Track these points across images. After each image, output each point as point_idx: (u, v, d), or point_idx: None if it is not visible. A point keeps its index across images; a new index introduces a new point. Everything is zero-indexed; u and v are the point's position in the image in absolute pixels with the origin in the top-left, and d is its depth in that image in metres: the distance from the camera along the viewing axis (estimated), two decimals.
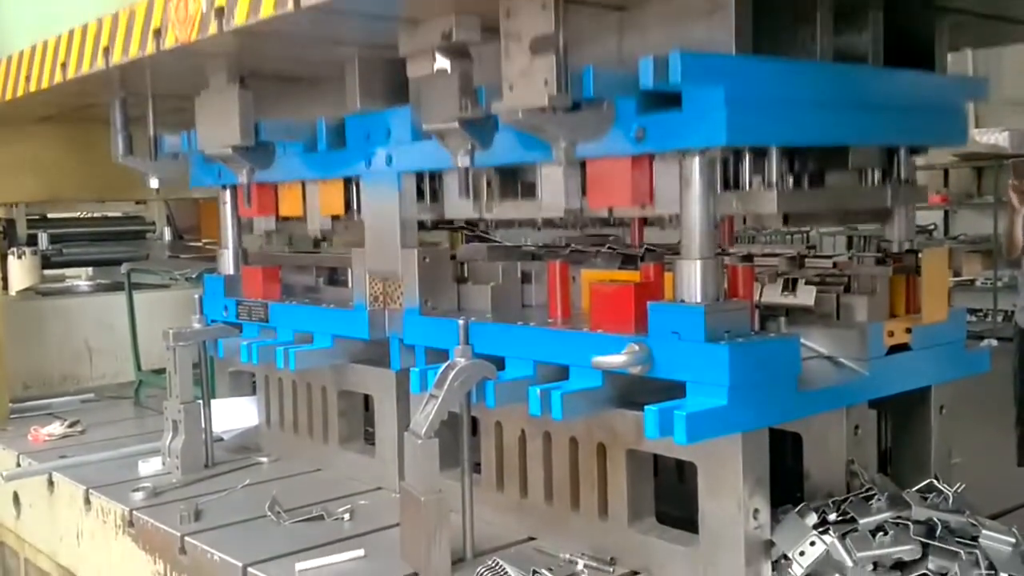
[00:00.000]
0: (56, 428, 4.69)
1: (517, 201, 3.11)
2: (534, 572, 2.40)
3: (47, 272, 6.66)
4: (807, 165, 2.78)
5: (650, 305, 2.56)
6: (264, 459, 4.02)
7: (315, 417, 3.90)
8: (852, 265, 3.10)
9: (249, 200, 3.90)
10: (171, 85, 3.89)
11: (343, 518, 3.19)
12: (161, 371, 5.56)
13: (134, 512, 3.42)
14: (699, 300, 2.48)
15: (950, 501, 2.55)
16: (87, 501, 3.72)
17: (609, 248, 3.60)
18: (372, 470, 3.60)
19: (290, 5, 2.57)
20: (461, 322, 2.87)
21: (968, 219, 13.53)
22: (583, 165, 2.72)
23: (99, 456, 4.14)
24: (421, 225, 3.47)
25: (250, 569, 2.83)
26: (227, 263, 4.28)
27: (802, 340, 2.66)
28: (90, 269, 7.48)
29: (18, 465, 4.31)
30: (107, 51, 3.42)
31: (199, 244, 7.55)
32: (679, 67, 2.26)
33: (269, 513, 3.23)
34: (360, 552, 2.86)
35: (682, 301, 2.51)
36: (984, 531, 2.39)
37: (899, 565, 2.35)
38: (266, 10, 2.66)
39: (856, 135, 2.69)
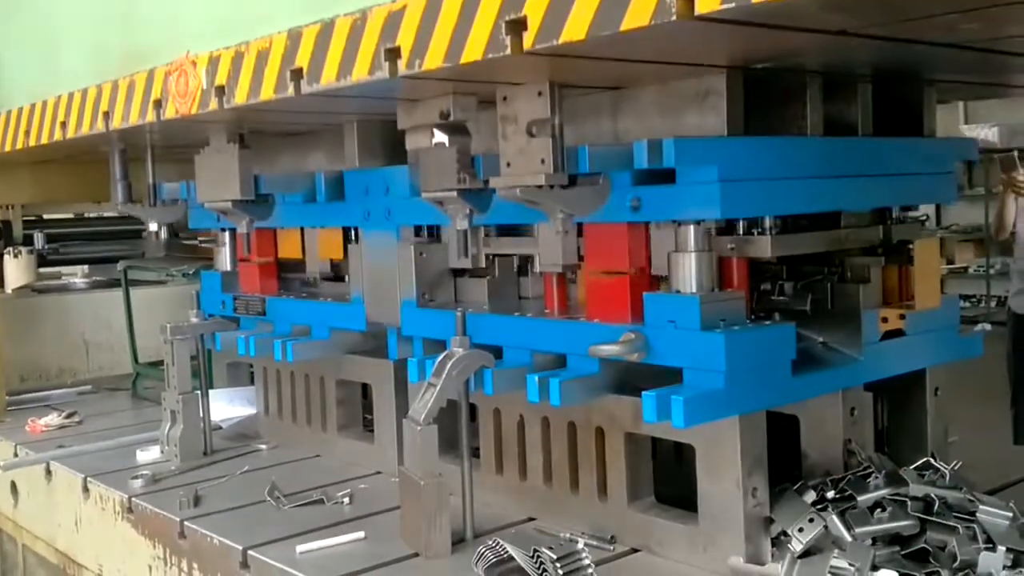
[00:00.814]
0: (54, 419, 4.71)
1: (515, 239, 3.15)
2: (535, 550, 2.43)
3: (43, 270, 6.70)
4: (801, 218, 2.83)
5: (646, 295, 2.59)
6: (263, 446, 4.05)
7: (313, 405, 3.93)
8: (845, 254, 3.13)
9: (248, 248, 3.96)
10: (171, 140, 3.93)
11: (343, 502, 3.22)
12: (158, 364, 5.59)
13: (133, 499, 3.45)
14: (694, 290, 2.52)
15: (947, 478, 2.59)
16: (85, 488, 3.75)
17: None
18: (371, 456, 3.63)
19: (290, 90, 2.60)
20: (458, 313, 2.89)
21: (959, 210, 13.60)
22: (580, 225, 2.75)
23: (96, 445, 4.16)
24: None
25: (250, 552, 2.86)
26: (224, 260, 4.30)
27: (798, 328, 2.69)
28: (87, 267, 7.52)
29: (15, 455, 4.33)
30: (107, 115, 3.45)
31: (195, 243, 7.60)
32: (672, 151, 2.35)
33: (269, 498, 3.25)
34: (360, 534, 2.89)
35: (678, 291, 2.55)
36: (981, 506, 2.43)
37: (897, 540, 2.39)
38: (266, 93, 2.68)
39: (847, 202, 2.78)
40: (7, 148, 4.27)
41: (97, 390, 5.67)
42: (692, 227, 2.53)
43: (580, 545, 2.46)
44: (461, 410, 2.84)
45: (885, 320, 2.88)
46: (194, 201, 3.99)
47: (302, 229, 3.93)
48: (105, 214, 7.51)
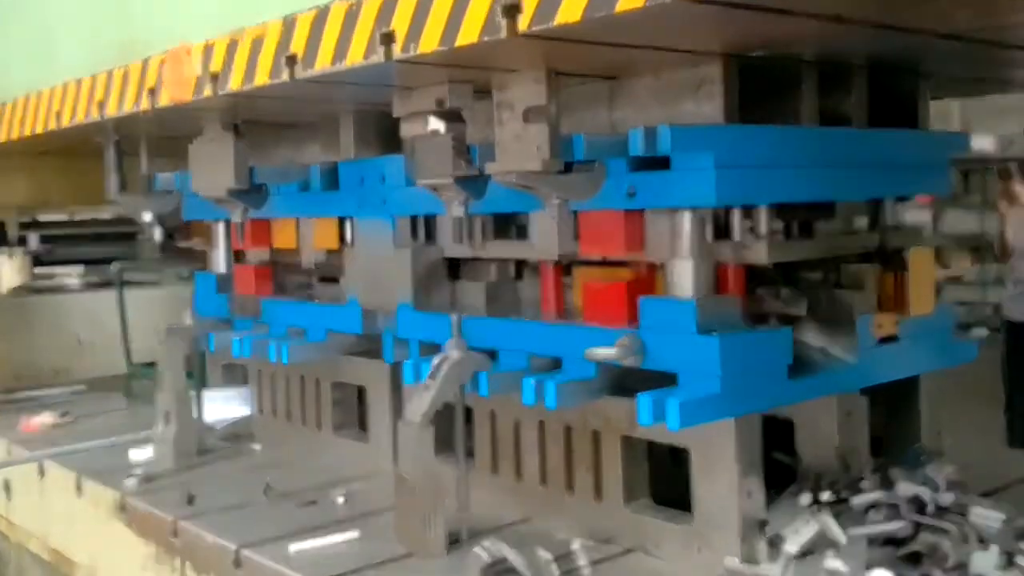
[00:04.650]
0: (47, 418, 4.70)
1: (511, 242, 3.15)
2: (531, 550, 2.43)
3: (38, 271, 6.70)
4: (796, 214, 2.85)
5: (642, 299, 2.60)
6: (256, 447, 4.05)
7: (308, 406, 3.93)
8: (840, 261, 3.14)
9: (243, 237, 3.93)
10: (165, 130, 3.91)
11: (337, 501, 3.21)
12: (151, 365, 5.60)
13: (126, 497, 3.44)
14: (691, 295, 2.52)
15: (941, 481, 2.59)
16: (79, 487, 3.74)
17: None
18: (366, 456, 3.63)
19: (284, 75, 2.61)
20: (454, 317, 2.89)
21: (956, 218, 13.69)
22: (576, 212, 2.75)
23: (89, 444, 4.15)
24: None
25: (244, 551, 2.86)
26: (219, 262, 4.30)
27: (795, 332, 2.70)
28: (81, 268, 7.53)
29: (8, 454, 4.32)
30: (102, 104, 3.46)
31: (189, 245, 7.61)
32: (668, 138, 2.36)
33: (265, 497, 3.25)
34: (355, 534, 2.89)
35: (673, 296, 2.55)
36: (974, 508, 2.43)
37: (891, 541, 2.39)
38: (260, 78, 2.69)
39: (841, 192, 2.80)
40: (2, 139, 4.27)
41: (91, 390, 5.66)
42: (687, 214, 2.51)
43: (577, 545, 2.46)
44: (457, 412, 2.84)
45: (880, 326, 2.89)
46: (188, 191, 3.99)
47: (297, 220, 3.91)
48: (100, 216, 7.52)
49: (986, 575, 2.30)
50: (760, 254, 2.63)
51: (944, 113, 13.52)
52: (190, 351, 4.03)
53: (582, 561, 2.45)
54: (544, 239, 2.79)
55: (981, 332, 3.13)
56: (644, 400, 2.37)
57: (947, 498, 2.53)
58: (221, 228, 4.25)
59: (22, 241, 6.62)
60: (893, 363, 2.91)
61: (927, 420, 3.09)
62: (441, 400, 2.76)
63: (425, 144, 2.75)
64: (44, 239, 6.68)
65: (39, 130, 3.93)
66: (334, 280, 4.10)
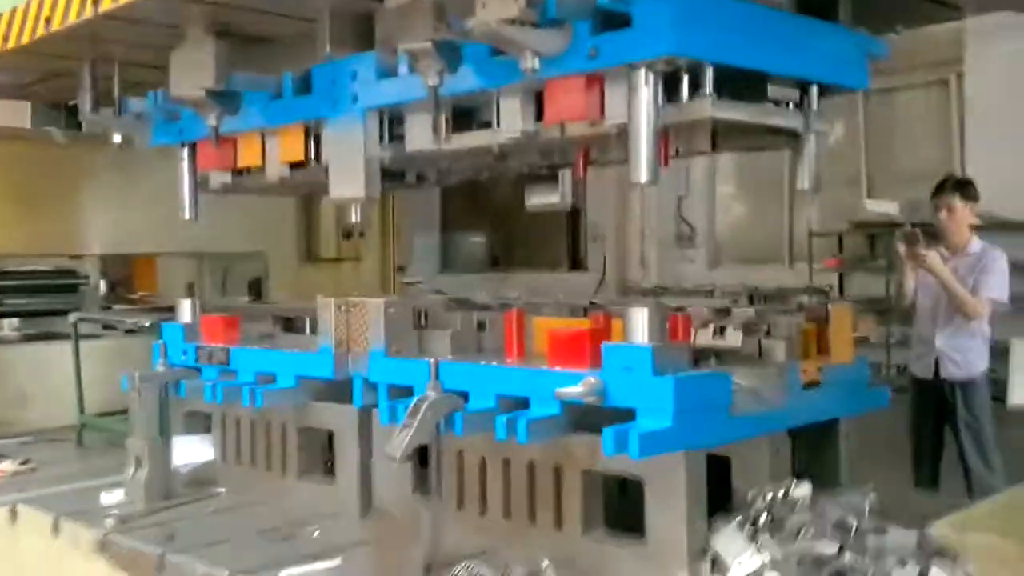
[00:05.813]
0: (8, 465, 4.82)
1: (474, 132, 3.46)
2: (505, 566, 2.71)
3: None
4: (733, 95, 3.15)
5: (604, 345, 2.94)
6: (221, 490, 4.23)
7: (274, 451, 4.13)
8: (771, 315, 3.54)
9: (217, 142, 4.13)
10: (145, 40, 4.13)
11: (312, 536, 3.44)
12: (104, 415, 5.75)
13: (107, 536, 3.61)
14: (647, 341, 2.87)
15: (864, 508, 2.96)
16: (56, 528, 3.88)
17: (556, 301, 3.99)
18: (332, 497, 3.84)
19: None
20: (432, 361, 3.19)
21: (862, 281, 14.38)
22: (538, 96, 3.12)
23: (61, 488, 4.30)
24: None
25: None
26: (185, 312, 4.53)
27: (732, 376, 3.06)
28: (15, 320, 7.60)
29: None
30: (96, 2, 3.67)
31: (135, 296, 7.75)
32: None
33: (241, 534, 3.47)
34: (337, 562, 3.13)
35: (632, 342, 2.90)
36: (891, 531, 2.79)
37: (820, 560, 2.73)
38: None
39: (774, 65, 3.13)
40: None
41: (38, 440, 5.75)
42: (643, 70, 2.83)
43: (545, 564, 2.76)
44: (433, 448, 3.12)
45: (805, 372, 3.29)
46: (157, 117, 4.23)
47: (263, 135, 4.13)
48: (39, 268, 7.62)
49: None
50: (705, 109, 2.95)
51: (854, 174, 14.36)
52: (161, 398, 4.21)
53: None
54: (508, 120, 3.12)
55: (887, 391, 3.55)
56: (608, 433, 2.70)
57: (868, 523, 2.89)
58: (186, 152, 4.48)
59: None
60: (817, 406, 3.30)
61: (845, 457, 3.47)
62: (420, 437, 3.04)
63: (407, 12, 3.05)
64: None
65: (25, 40, 4.09)
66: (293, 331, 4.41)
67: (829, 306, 3.48)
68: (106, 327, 6.76)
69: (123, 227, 6.42)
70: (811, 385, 3.32)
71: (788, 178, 12.16)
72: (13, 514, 4.17)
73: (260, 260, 7.42)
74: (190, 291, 8.10)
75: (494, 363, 3.27)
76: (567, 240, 17.79)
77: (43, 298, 7.26)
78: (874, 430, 3.96)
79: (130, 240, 6.55)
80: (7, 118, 6.49)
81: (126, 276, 8.19)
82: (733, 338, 3.36)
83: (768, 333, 3.40)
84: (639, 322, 2.89)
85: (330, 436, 4.02)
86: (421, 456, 3.32)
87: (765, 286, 4.30)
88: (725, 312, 3.55)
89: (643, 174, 2.91)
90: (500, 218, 18.48)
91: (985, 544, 2.02)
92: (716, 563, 2.85)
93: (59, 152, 6.33)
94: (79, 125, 7.79)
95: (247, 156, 4.25)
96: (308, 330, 4.35)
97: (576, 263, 17.87)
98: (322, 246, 7.96)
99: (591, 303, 3.86)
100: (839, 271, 14.30)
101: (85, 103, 4.48)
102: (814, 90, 3.32)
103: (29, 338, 7.08)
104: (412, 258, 10.53)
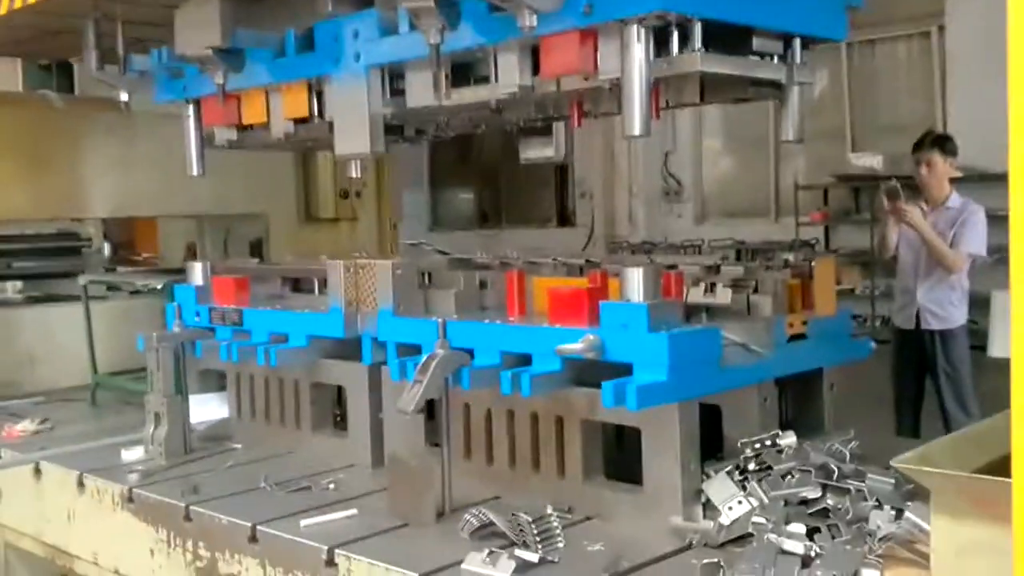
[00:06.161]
0: (28, 425, 5.00)
1: (473, 88, 3.61)
2: (512, 514, 2.93)
3: None
4: (720, 50, 3.28)
5: (602, 304, 3.13)
6: (237, 446, 4.44)
7: (288, 407, 4.34)
8: (758, 271, 3.73)
9: (224, 100, 4.28)
10: (145, 8, 4.31)
11: (329, 487, 3.65)
12: (114, 374, 5.93)
13: (133, 489, 3.82)
14: (642, 299, 3.06)
15: (845, 454, 3.18)
16: (80, 484, 4.08)
17: (554, 260, 4.17)
18: (345, 450, 4.06)
19: None
20: (441, 320, 3.38)
21: (847, 234, 14.60)
22: (534, 51, 3.28)
23: (82, 446, 4.49)
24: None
25: (259, 527, 3.28)
26: (196, 274, 4.71)
27: (721, 331, 3.26)
28: (19, 283, 7.73)
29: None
30: None
31: (138, 258, 7.89)
32: None
33: (264, 485, 3.67)
34: (354, 511, 3.34)
35: (628, 300, 3.09)
36: (870, 475, 3.01)
37: (804, 502, 2.96)
38: None
39: (758, 18, 3.26)
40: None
41: (51, 400, 5.93)
42: (635, 25, 2.99)
43: (549, 510, 2.97)
44: (443, 403, 3.33)
45: (791, 325, 3.49)
46: (160, 75, 4.39)
47: (266, 92, 4.28)
48: (43, 231, 7.75)
49: (880, 527, 2.87)
50: (694, 63, 3.10)
51: (839, 128, 14.51)
52: (177, 357, 4.40)
53: (555, 523, 2.94)
54: (506, 75, 3.30)
55: (870, 343, 3.70)
56: (607, 387, 2.90)
57: (849, 467, 3.11)
58: (191, 109, 4.63)
59: None
60: (802, 357, 3.51)
61: (829, 407, 3.69)
62: (430, 392, 3.23)
63: None
64: None
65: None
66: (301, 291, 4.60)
67: (813, 263, 3.67)
68: (110, 288, 6.93)
69: (126, 190, 6.54)
70: (797, 337, 3.53)
71: (774, 132, 12.34)
72: (37, 471, 4.38)
73: (261, 221, 7.56)
74: (191, 252, 8.26)
75: (497, 321, 3.46)
76: (555, 196, 17.94)
77: (47, 261, 7.39)
78: (858, 380, 4.19)
79: (133, 203, 6.67)
80: None
81: (128, 238, 8.32)
82: (723, 295, 3.54)
83: (756, 289, 3.59)
84: (635, 281, 3.08)
85: (339, 391, 4.24)
86: (429, 410, 3.53)
87: (752, 240, 4.49)
88: (715, 270, 3.74)
89: (636, 127, 3.05)
90: (488, 174, 18.63)
91: (941, 474, 2.22)
92: (708, 507, 3.07)
93: (58, 115, 6.43)
94: (71, 87, 7.92)
95: (251, 113, 4.37)
96: (316, 290, 4.54)
97: (564, 219, 17.98)
98: (320, 207, 8.10)
99: (587, 261, 4.05)
100: (824, 224, 14.54)
101: (91, 61, 4.59)
102: (797, 43, 3.45)
103: (33, 300, 7.22)
104: (402, 215, 10.67)
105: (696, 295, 3.55)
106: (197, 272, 4.71)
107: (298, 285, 4.74)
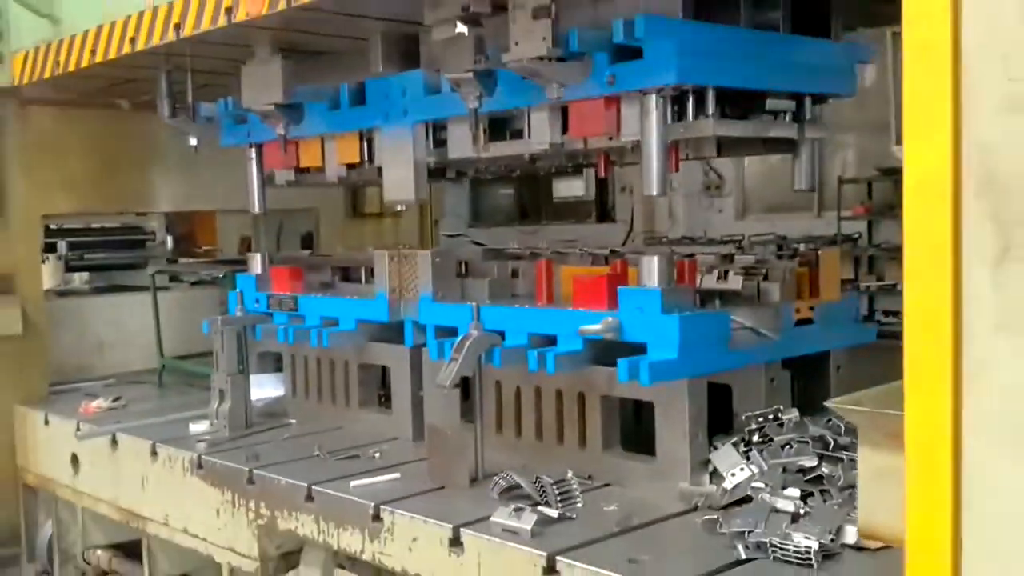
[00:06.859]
0: (103, 402, 5.46)
1: (508, 142, 3.98)
2: (537, 478, 3.28)
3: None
4: (735, 111, 3.60)
5: (620, 289, 3.47)
6: (292, 421, 4.85)
7: (337, 386, 4.73)
8: (769, 260, 4.04)
9: (285, 148, 4.74)
10: (216, 54, 4.70)
11: (375, 456, 4.04)
12: (178, 359, 6.39)
13: (202, 456, 4.24)
14: (656, 284, 3.39)
15: (841, 427, 3.48)
16: (154, 452, 4.52)
17: (580, 250, 4.52)
18: (389, 425, 4.45)
19: None
20: (475, 305, 3.74)
21: (890, 229, 14.51)
22: (564, 110, 3.61)
23: (153, 420, 4.94)
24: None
25: (314, 487, 3.67)
26: (256, 265, 5.13)
27: (732, 315, 3.58)
28: (86, 274, 8.24)
29: (78, 430, 5.08)
30: (178, 27, 4.28)
31: (199, 250, 8.37)
32: (643, 26, 3.20)
33: (318, 452, 4.07)
34: (397, 475, 3.72)
35: (644, 286, 3.42)
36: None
37: (801, 470, 3.26)
38: None
39: (770, 82, 3.57)
40: (71, 67, 5.05)
41: (120, 382, 6.39)
42: (654, 96, 3.30)
43: (570, 475, 3.32)
44: (477, 378, 3.69)
45: (798, 310, 3.80)
46: (226, 122, 4.85)
47: (322, 140, 4.72)
48: (108, 225, 8.23)
49: None
50: (708, 128, 3.42)
51: (883, 121, 14.52)
52: (239, 339, 4.81)
53: (575, 486, 3.29)
54: (538, 133, 3.66)
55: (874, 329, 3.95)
56: (623, 364, 3.24)
57: (845, 439, 3.41)
58: (253, 152, 5.07)
59: (51, 248, 7.30)
60: (807, 340, 3.81)
61: (835, 387, 3.97)
62: (465, 369, 3.59)
63: (451, 44, 3.57)
64: (71, 246, 7.38)
65: (112, 55, 4.70)
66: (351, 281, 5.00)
67: (819, 252, 3.96)
68: (172, 279, 7.41)
69: (188, 186, 6.97)
70: (804, 322, 3.82)
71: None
72: (114, 442, 4.83)
73: (311, 216, 7.98)
74: (246, 245, 8.71)
75: (526, 306, 3.81)
76: (595, 192, 18.13)
77: (114, 253, 7.89)
78: (870, 364, 4.44)
79: (195, 198, 7.11)
80: None
81: (188, 231, 8.79)
82: (735, 282, 3.86)
83: (766, 277, 3.90)
84: (650, 268, 3.42)
85: (383, 371, 4.62)
86: (463, 389, 3.90)
87: (794, 236, 4.68)
88: (729, 258, 4.06)
89: (655, 188, 3.38)
90: (528, 170, 18.83)
91: (860, 412, 2.46)
92: (714, 475, 3.39)
93: (126, 117, 6.86)
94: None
95: (308, 158, 4.84)
96: (363, 279, 4.93)
97: (604, 214, 18.27)
98: (367, 202, 8.49)
99: (611, 251, 4.39)
100: (868, 219, 14.56)
101: (163, 109, 5.10)
102: (808, 101, 3.73)
103: (99, 290, 7.71)
104: (443, 212, 11.03)
105: (709, 282, 3.87)
106: (256, 263, 5.14)
107: (347, 274, 5.15)
